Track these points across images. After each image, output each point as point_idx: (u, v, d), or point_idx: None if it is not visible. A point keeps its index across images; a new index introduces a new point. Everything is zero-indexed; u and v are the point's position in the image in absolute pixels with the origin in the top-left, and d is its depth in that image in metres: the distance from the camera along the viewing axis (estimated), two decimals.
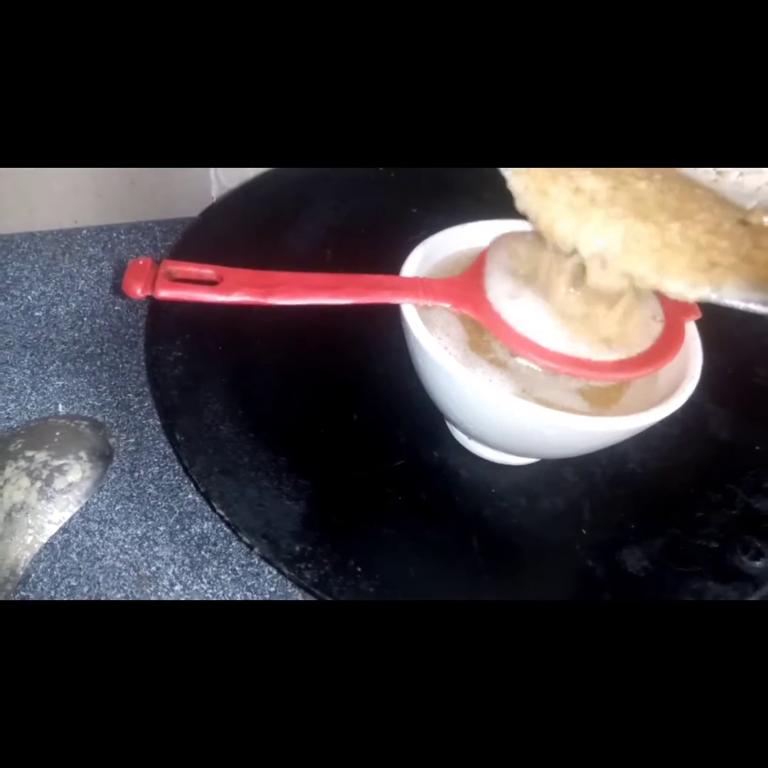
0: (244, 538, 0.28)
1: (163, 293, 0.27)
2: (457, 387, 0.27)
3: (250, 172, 0.51)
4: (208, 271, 0.28)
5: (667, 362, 0.28)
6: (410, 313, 0.29)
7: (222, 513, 0.29)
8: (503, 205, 0.46)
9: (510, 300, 0.29)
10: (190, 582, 0.34)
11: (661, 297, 0.30)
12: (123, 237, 0.48)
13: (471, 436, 0.33)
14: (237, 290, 0.28)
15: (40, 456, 0.34)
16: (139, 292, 0.27)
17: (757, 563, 0.31)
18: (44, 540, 0.32)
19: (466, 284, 0.30)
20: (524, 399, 0.28)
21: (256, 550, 0.28)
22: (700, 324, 0.31)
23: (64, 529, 0.34)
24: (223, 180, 0.52)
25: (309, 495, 0.31)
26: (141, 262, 0.28)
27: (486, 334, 0.30)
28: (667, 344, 0.29)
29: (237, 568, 0.34)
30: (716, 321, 0.34)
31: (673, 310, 0.30)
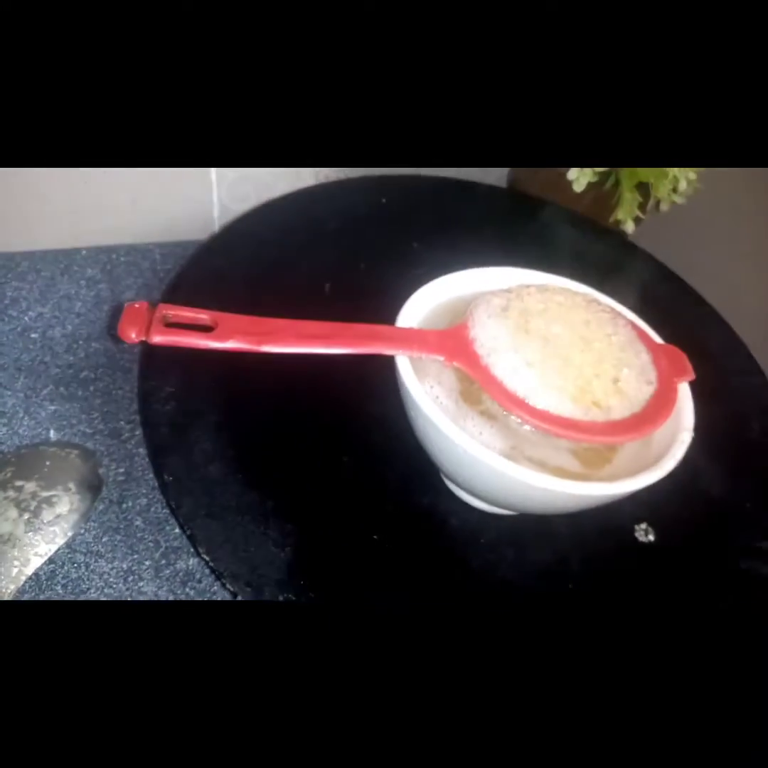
0: (228, 585, 0.28)
1: (158, 339, 0.27)
2: (447, 442, 0.27)
3: (251, 195, 0.51)
4: (203, 317, 0.28)
5: (657, 426, 0.28)
6: (403, 364, 0.29)
7: (207, 558, 0.29)
8: (503, 241, 0.46)
9: (497, 356, 0.29)
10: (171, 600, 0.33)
11: (654, 358, 0.30)
12: (122, 259, 0.48)
13: (461, 488, 0.32)
14: (231, 337, 0.28)
15: (30, 486, 0.34)
16: (133, 336, 0.27)
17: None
18: (30, 572, 0.32)
19: (459, 336, 0.30)
20: (514, 457, 0.28)
21: (239, 597, 0.28)
22: (696, 384, 0.31)
23: (50, 560, 0.34)
24: (226, 200, 0.52)
25: (295, 541, 0.30)
26: (137, 306, 0.28)
27: (477, 384, 0.30)
28: (659, 406, 0.29)
29: None
30: (711, 374, 0.34)
31: (667, 372, 0.30)
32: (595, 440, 0.28)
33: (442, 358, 0.29)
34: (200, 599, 0.34)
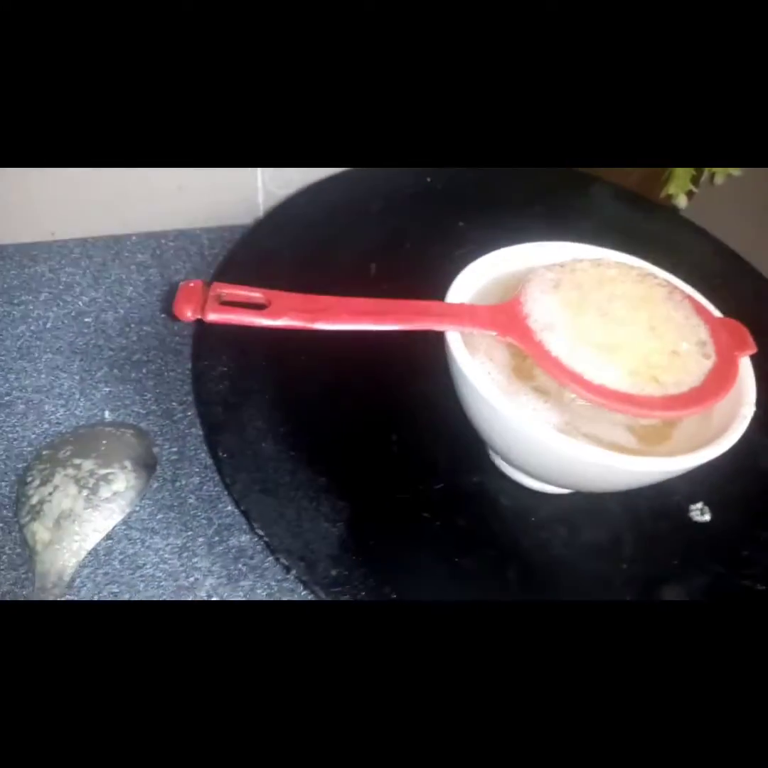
0: (283, 560, 0.29)
1: (213, 316, 0.27)
2: (500, 418, 0.27)
3: (295, 179, 0.51)
4: (256, 295, 0.29)
5: (718, 400, 0.28)
6: (454, 339, 0.29)
7: (261, 533, 0.29)
8: (550, 219, 0.45)
9: (551, 331, 0.28)
10: (226, 594, 0.34)
11: (712, 331, 0.29)
12: (171, 244, 0.49)
13: (512, 465, 0.32)
14: (284, 315, 0.28)
15: (88, 464, 0.35)
16: (189, 315, 0.27)
17: None
18: (89, 547, 0.33)
19: (511, 311, 0.30)
20: (569, 432, 0.28)
21: (293, 572, 0.28)
22: (756, 356, 0.30)
23: (108, 536, 0.35)
24: (270, 185, 0.52)
25: (347, 517, 0.31)
26: (192, 284, 0.28)
27: (530, 360, 0.30)
28: (718, 380, 0.28)
29: (273, 583, 0.34)
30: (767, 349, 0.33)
31: (727, 345, 0.29)
32: (653, 415, 0.27)
33: (494, 333, 0.29)
34: (252, 575, 0.34)
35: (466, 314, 0.29)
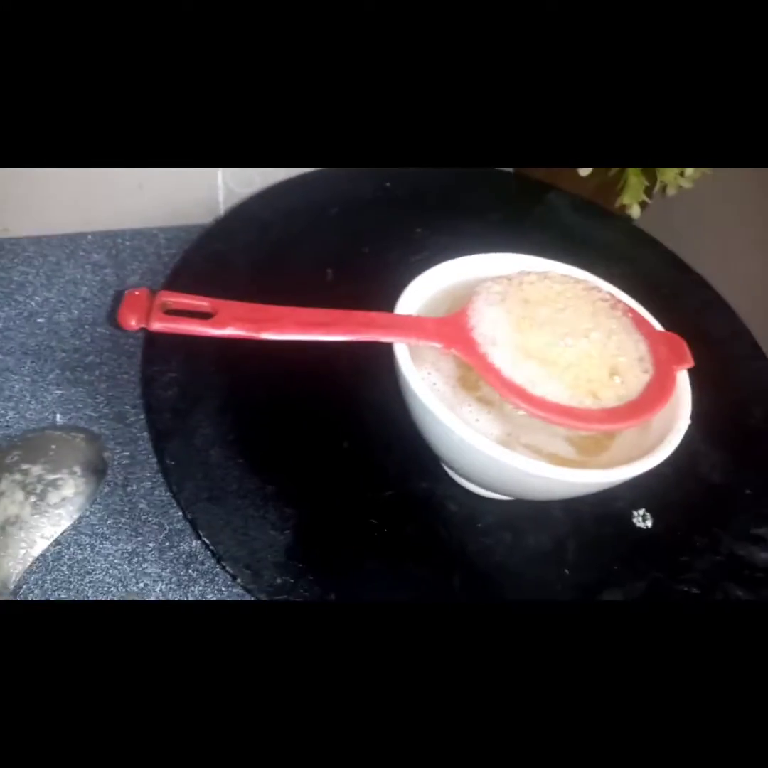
0: (228, 568, 0.29)
1: (157, 326, 0.27)
2: (443, 430, 0.28)
3: (257, 178, 0.51)
4: (202, 304, 0.29)
5: (652, 414, 0.28)
6: (401, 350, 0.29)
7: (207, 541, 0.29)
8: (506, 227, 0.46)
9: (495, 344, 0.29)
10: (176, 600, 0.34)
11: (652, 346, 0.30)
12: (127, 243, 0.48)
13: (459, 474, 0.33)
14: (230, 325, 0.28)
15: (36, 470, 0.34)
16: (133, 323, 0.27)
17: None
18: (36, 553, 0.33)
19: (457, 323, 0.30)
20: (510, 443, 0.28)
21: (238, 580, 0.29)
22: (696, 366, 0.31)
23: (56, 542, 0.34)
24: (231, 184, 0.52)
25: (294, 525, 0.31)
26: (137, 293, 0.28)
27: (475, 371, 0.30)
28: (655, 394, 0.29)
29: (223, 589, 0.34)
30: (714, 360, 0.34)
31: (666, 359, 0.30)
32: (590, 428, 0.28)
33: (439, 345, 0.30)
34: (202, 580, 0.34)
35: (412, 326, 0.30)
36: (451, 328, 0.30)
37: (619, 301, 0.32)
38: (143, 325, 0.27)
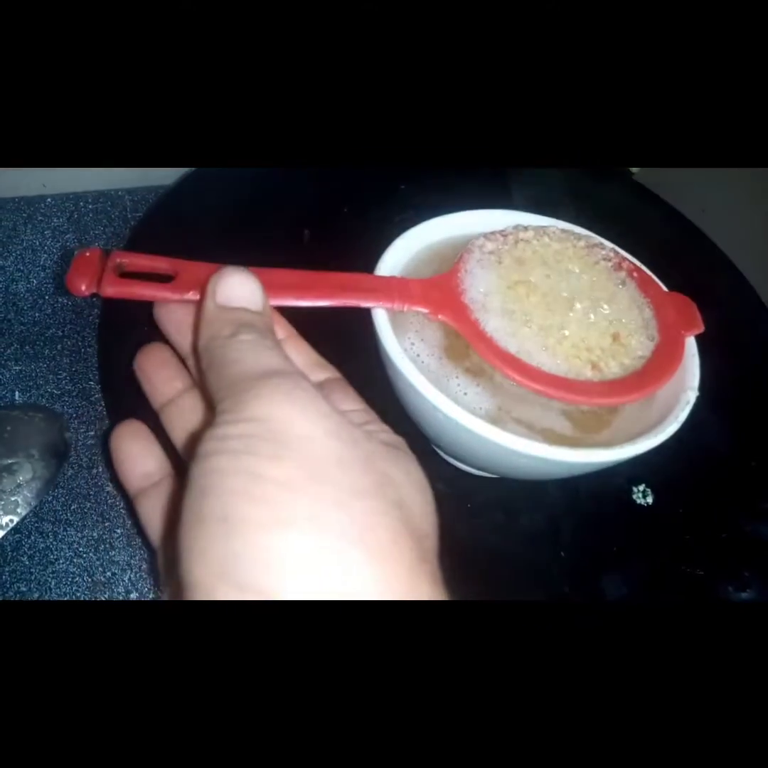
0: None
1: (110, 290, 0.24)
2: (427, 405, 0.25)
3: None
4: (162, 265, 0.26)
5: (659, 386, 0.26)
6: (380, 318, 0.27)
7: None
8: (503, 183, 0.43)
9: (487, 309, 0.26)
10: (146, 589, 0.32)
11: (658, 309, 0.28)
12: (91, 206, 0.45)
13: (444, 452, 0.30)
14: (192, 288, 0.25)
15: None
16: (83, 288, 0.24)
17: (744, 595, 0.29)
18: None
19: (446, 286, 0.27)
20: (501, 418, 0.26)
21: None
22: (704, 329, 0.29)
23: (15, 530, 0.32)
24: None
25: None
26: (88, 254, 0.25)
27: (464, 340, 0.28)
28: (661, 363, 0.26)
29: None
30: (718, 324, 0.31)
31: (673, 324, 0.27)
32: (592, 402, 0.25)
33: (426, 311, 0.27)
34: None
35: (395, 289, 0.27)
36: (438, 292, 0.27)
37: (623, 259, 0.29)
38: (94, 291, 0.24)
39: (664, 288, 0.30)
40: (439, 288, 0.27)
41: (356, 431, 0.19)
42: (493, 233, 0.29)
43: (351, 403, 0.24)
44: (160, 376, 0.27)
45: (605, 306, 0.26)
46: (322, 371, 0.26)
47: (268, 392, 0.18)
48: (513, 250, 0.28)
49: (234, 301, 0.22)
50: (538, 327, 0.26)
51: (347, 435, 0.18)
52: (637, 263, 0.30)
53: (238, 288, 0.23)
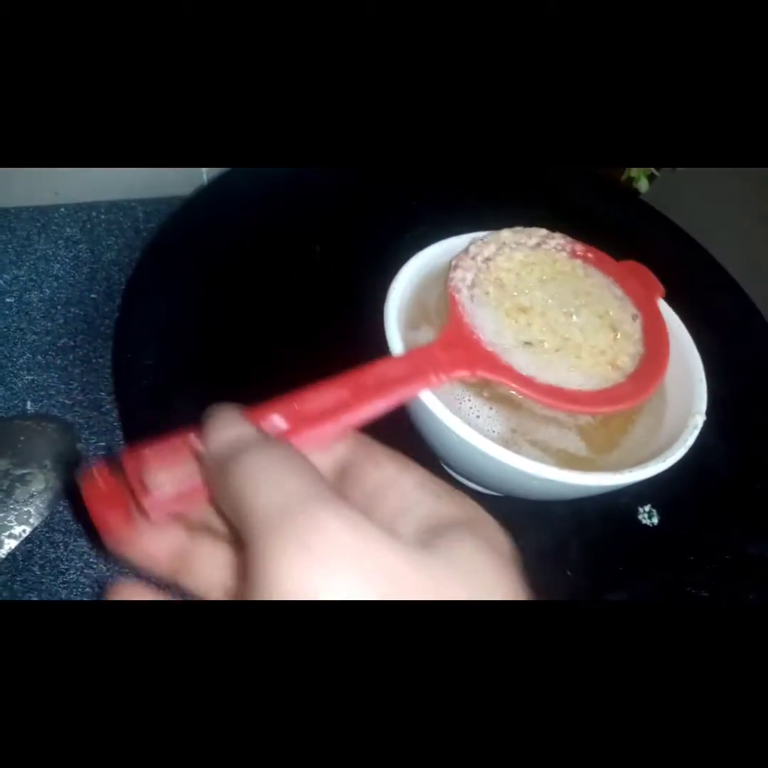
0: None
1: (155, 507, 0.18)
2: (441, 428, 0.25)
3: None
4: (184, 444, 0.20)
5: (667, 360, 0.27)
6: (394, 337, 0.27)
7: None
8: (512, 199, 0.43)
9: (507, 350, 0.27)
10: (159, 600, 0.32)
11: (622, 284, 0.29)
12: (103, 217, 0.45)
13: (456, 473, 0.31)
14: None
15: (2, 464, 0.32)
16: (122, 528, 0.19)
17: None
18: (3, 554, 0.31)
19: (463, 340, 0.27)
20: (516, 442, 0.26)
21: None
22: (705, 351, 0.29)
23: (27, 540, 0.32)
24: None
25: None
26: (100, 480, 0.19)
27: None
28: (657, 336, 0.28)
29: None
30: (724, 343, 0.32)
31: (642, 295, 0.29)
32: (635, 402, 0.26)
33: (466, 374, 0.26)
34: None
35: (427, 365, 0.25)
36: (461, 350, 0.26)
37: (573, 243, 0.30)
38: (140, 515, 0.18)
39: (613, 259, 0.31)
40: (458, 344, 0.26)
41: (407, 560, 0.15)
42: (461, 258, 0.29)
43: (385, 472, 0.19)
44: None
45: (589, 303, 0.28)
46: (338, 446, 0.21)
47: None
48: (488, 274, 0.29)
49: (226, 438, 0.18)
50: (554, 349, 0.26)
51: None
52: (580, 243, 0.31)
53: (227, 432, 0.18)
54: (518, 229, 0.31)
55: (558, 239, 0.31)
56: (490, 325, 0.27)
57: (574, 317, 0.28)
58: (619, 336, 0.28)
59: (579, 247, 0.31)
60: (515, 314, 0.27)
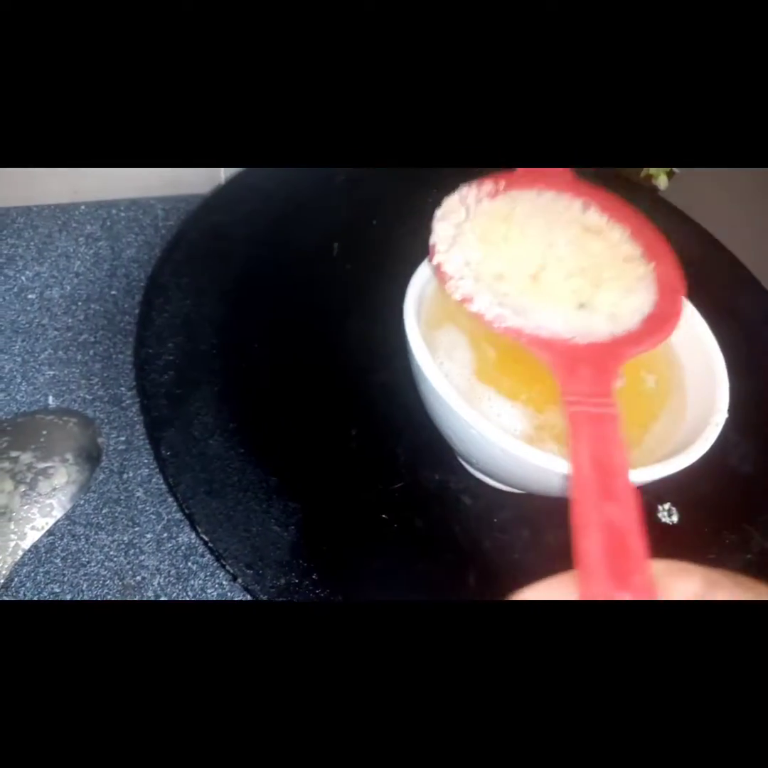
0: (228, 567, 0.27)
1: None
2: (463, 425, 0.25)
3: None
4: None
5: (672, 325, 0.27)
6: (415, 338, 0.27)
7: (206, 538, 0.28)
8: None
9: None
10: (175, 594, 0.32)
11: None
12: (123, 214, 0.46)
13: (475, 469, 0.31)
14: None
15: (25, 457, 0.33)
16: None
17: None
18: (27, 546, 0.31)
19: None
20: (539, 438, 0.26)
21: (239, 580, 0.27)
22: (727, 349, 0.29)
23: (48, 533, 0.33)
24: None
25: (299, 520, 0.29)
26: None
27: (493, 362, 0.28)
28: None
29: (224, 582, 0.33)
30: (744, 342, 0.31)
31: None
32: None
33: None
34: (203, 573, 0.33)
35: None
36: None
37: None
38: None
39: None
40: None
41: None
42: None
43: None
44: None
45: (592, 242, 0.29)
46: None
47: None
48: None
49: None
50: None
51: None
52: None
53: None
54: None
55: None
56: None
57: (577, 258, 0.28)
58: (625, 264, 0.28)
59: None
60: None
